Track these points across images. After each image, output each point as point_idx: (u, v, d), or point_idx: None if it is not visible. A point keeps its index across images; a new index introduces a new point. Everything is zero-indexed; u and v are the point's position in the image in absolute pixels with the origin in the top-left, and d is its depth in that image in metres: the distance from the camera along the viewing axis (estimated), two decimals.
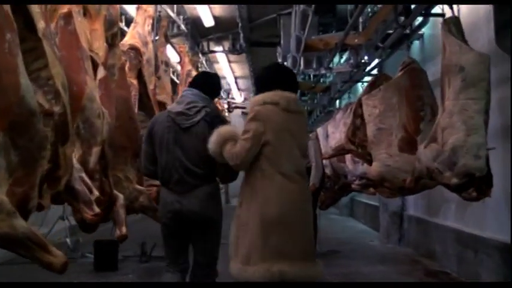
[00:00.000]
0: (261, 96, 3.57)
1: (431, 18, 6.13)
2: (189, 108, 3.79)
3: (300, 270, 3.38)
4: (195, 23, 11.28)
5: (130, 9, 8.39)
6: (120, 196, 4.62)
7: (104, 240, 7.05)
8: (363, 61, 7.50)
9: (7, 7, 2.68)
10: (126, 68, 6.34)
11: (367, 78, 9.27)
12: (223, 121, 3.90)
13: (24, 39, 2.87)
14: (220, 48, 12.73)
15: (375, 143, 5.05)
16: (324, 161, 8.24)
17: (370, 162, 6.25)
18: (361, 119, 6.30)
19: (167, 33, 8.30)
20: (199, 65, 12.25)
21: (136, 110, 6.34)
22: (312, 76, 11.54)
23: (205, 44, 12.20)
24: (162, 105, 7.56)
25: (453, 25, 4.05)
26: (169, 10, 9.17)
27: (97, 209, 3.52)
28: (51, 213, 6.92)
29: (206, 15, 10.54)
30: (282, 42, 9.33)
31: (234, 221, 3.62)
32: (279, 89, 3.54)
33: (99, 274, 6.68)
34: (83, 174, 3.82)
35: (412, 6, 5.33)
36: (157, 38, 7.55)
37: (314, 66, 8.11)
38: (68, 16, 4.08)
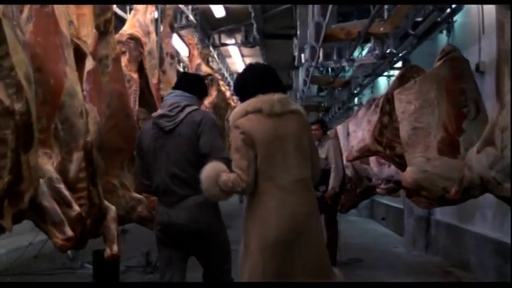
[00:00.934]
0: (242, 107, 3.26)
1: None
2: (171, 109, 3.58)
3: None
4: (204, 13, 10.57)
5: None
6: (112, 208, 3.96)
7: (101, 251, 6.45)
8: (388, 51, 6.74)
9: None
10: (126, 60, 5.71)
11: (391, 72, 8.63)
12: (214, 122, 3.65)
13: None
14: (232, 41, 12.05)
15: (409, 144, 4.32)
16: (345, 162, 7.55)
17: (400, 166, 5.57)
18: (389, 117, 5.63)
19: (173, 23, 7.60)
20: (210, 59, 11.54)
21: (136, 106, 5.67)
22: (330, 70, 10.83)
23: (216, 36, 11.50)
24: None
25: None
26: None
27: (69, 232, 2.84)
28: None
29: (217, 5, 9.88)
30: (298, 32, 8.59)
31: (242, 238, 3.29)
32: (260, 93, 3.23)
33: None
34: (61, 186, 3.15)
35: None
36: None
37: (334, 58, 7.37)
38: None
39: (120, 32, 5.79)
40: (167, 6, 7.24)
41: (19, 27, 2.69)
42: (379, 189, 6.88)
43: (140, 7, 6.17)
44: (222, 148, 3.59)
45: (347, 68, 11.18)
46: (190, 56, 9.31)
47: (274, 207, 3.10)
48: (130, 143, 4.71)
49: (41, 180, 3.10)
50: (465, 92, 4.27)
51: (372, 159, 6.94)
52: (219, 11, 10.22)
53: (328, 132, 7.73)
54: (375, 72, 8.46)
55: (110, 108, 4.47)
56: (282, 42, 12.20)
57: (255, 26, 10.78)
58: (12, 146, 2.47)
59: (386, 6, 6.44)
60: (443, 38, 7.57)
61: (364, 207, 14.23)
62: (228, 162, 3.25)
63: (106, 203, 3.97)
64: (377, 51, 6.56)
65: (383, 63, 8.22)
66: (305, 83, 10.90)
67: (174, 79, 7.28)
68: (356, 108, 10.03)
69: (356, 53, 8.80)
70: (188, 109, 3.57)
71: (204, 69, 9.19)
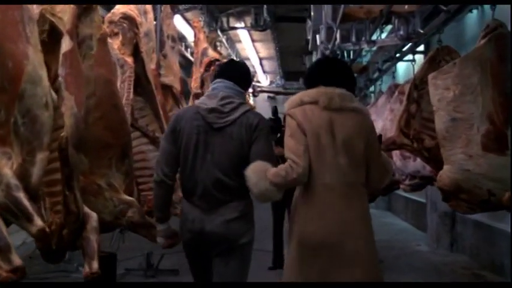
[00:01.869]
0: (298, 96, 3.18)
1: None
2: (223, 105, 3.23)
3: None
4: None
5: None
6: (93, 216, 3.32)
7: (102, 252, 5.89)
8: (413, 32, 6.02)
9: None
10: (119, 42, 5.06)
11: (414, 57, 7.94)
12: (269, 129, 3.34)
13: None
14: (241, 25, 11.32)
15: (447, 138, 3.62)
16: None
17: (429, 161, 4.91)
18: (417, 105, 4.95)
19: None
20: (218, 44, 10.83)
21: (131, 95, 5.01)
22: (346, 54, 10.11)
23: (224, 20, 10.76)
24: (168, 88, 6.24)
25: None
26: None
27: (17, 261, 2.20)
28: None
29: None
30: (312, 13, 7.87)
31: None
32: (322, 84, 3.13)
33: None
34: (21, 195, 2.52)
35: None
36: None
37: (353, 39, 6.66)
38: None
39: (113, 10, 5.12)
40: None
41: None
42: (403, 186, 6.19)
43: None
44: (274, 159, 3.24)
45: (363, 53, 10.54)
46: (196, 40, 8.63)
47: (319, 206, 2.96)
48: (120, 138, 4.08)
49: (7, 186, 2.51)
50: None
51: (395, 152, 6.26)
52: None
53: None
54: (396, 56, 7.76)
55: (94, 97, 3.82)
56: (295, 26, 11.46)
57: (265, 7, 10.06)
58: None
59: None
60: (472, 17, 6.89)
61: (382, 199, 13.60)
62: (275, 166, 3.08)
63: (86, 209, 3.33)
64: (401, 32, 5.84)
65: (404, 46, 7.60)
66: None
67: (176, 64, 6.62)
68: (375, 95, 9.33)
69: (374, 37, 8.16)
70: (243, 108, 3.25)
71: (211, 54, 8.49)
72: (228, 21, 10.86)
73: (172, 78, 6.33)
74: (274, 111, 8.90)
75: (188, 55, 11.61)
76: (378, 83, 9.34)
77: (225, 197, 3.21)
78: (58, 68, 3.29)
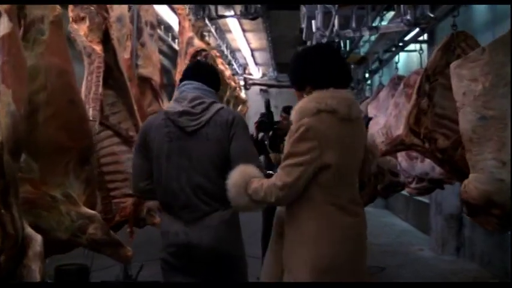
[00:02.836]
0: (312, 103, 2.66)
1: None
2: (194, 106, 3.08)
3: None
4: None
5: None
6: (36, 239, 2.66)
7: (66, 267, 5.15)
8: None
9: None
10: (85, 28, 4.43)
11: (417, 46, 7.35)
12: (246, 123, 3.15)
13: None
14: (231, 13, 10.60)
15: (475, 141, 2.96)
16: None
17: (443, 164, 4.28)
18: (428, 100, 4.31)
19: None
20: (206, 34, 10.11)
21: (100, 88, 4.36)
22: (342, 45, 9.45)
23: (212, 8, 10.02)
24: (146, 81, 5.60)
25: None
26: None
27: None
28: None
29: None
30: None
31: (267, 257, 3.01)
32: (332, 86, 2.69)
33: None
34: None
35: None
36: None
37: (353, 26, 5.99)
38: None
39: None
40: None
41: None
42: (408, 189, 5.56)
43: None
44: (256, 155, 3.19)
45: (361, 43, 9.91)
46: (181, 29, 7.91)
47: (330, 226, 2.66)
48: (78, 139, 3.43)
49: None
50: None
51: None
52: None
53: None
54: (399, 45, 7.13)
55: (45, 91, 3.18)
56: (287, 14, 10.76)
57: None
58: None
59: None
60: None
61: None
62: (259, 167, 2.90)
63: (28, 230, 2.68)
64: (408, 17, 5.17)
65: (406, 34, 7.00)
66: None
67: (155, 54, 5.95)
68: (375, 88, 8.69)
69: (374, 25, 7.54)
70: (215, 107, 3.10)
71: (197, 43, 7.78)
72: (216, 9, 10.13)
73: (151, 70, 5.68)
74: (267, 104, 8.26)
75: (176, 46, 10.92)
76: (378, 74, 8.71)
77: (209, 205, 3.02)
78: None
